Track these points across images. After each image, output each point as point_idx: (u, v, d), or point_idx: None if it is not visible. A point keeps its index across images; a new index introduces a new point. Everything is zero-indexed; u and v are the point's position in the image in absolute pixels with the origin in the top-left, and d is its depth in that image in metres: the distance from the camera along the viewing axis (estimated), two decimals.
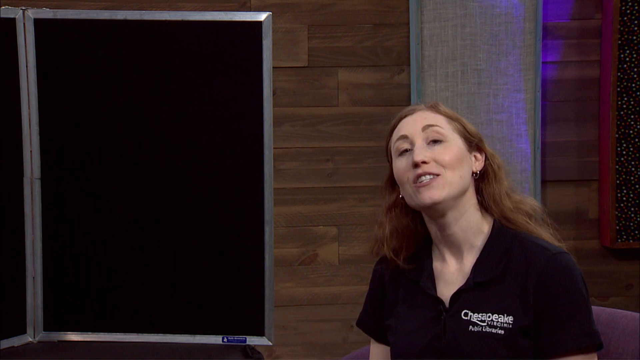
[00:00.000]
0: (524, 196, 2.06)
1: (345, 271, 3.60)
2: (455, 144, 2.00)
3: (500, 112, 3.60)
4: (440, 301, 1.96)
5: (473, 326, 1.90)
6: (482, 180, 2.02)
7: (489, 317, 1.91)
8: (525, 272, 1.91)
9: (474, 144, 2.02)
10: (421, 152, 1.96)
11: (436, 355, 1.95)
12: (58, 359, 2.37)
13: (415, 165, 1.95)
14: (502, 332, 1.89)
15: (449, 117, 2.04)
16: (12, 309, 2.42)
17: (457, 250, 1.99)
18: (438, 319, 1.95)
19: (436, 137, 1.99)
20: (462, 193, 1.98)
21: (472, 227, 1.98)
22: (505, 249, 1.95)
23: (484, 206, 2.01)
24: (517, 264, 1.92)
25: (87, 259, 2.46)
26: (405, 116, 2.05)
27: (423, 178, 1.95)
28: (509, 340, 1.88)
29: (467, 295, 1.93)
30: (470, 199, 1.99)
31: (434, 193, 1.94)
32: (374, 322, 2.09)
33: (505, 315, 1.90)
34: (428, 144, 1.99)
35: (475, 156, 2.02)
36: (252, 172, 2.42)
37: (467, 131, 2.03)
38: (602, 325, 2.17)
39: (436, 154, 1.97)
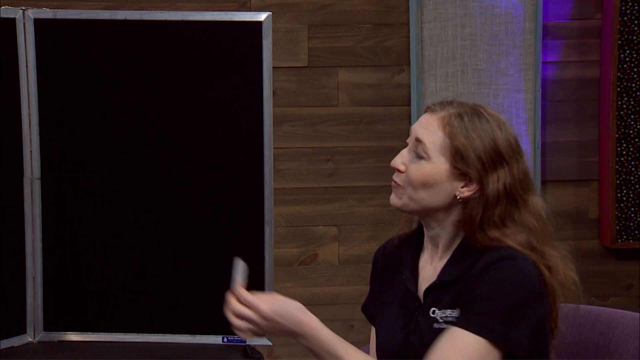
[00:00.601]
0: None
1: (345, 271, 3.60)
2: (432, 167, 1.97)
3: (500, 112, 3.59)
4: (416, 297, 1.99)
5: (436, 323, 1.93)
6: (466, 205, 1.97)
7: (444, 312, 1.93)
8: (475, 275, 1.92)
9: (463, 171, 1.96)
10: (398, 159, 2.01)
11: (408, 350, 1.99)
12: (58, 359, 2.37)
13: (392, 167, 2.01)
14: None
15: (454, 137, 1.96)
16: (12, 309, 2.42)
17: (437, 249, 2.02)
18: (413, 315, 1.99)
19: (420, 153, 1.99)
20: (432, 211, 1.99)
21: (447, 237, 2.00)
22: (475, 253, 1.95)
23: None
24: (476, 267, 1.93)
25: (87, 259, 2.46)
26: (428, 110, 2.03)
27: (394, 178, 2.01)
28: None
29: (435, 292, 1.96)
30: (448, 217, 1.99)
31: (393, 198, 2.01)
32: (371, 307, 2.12)
33: (454, 309, 1.92)
34: (413, 153, 2.00)
35: (467, 182, 1.96)
36: (252, 172, 2.42)
37: (465, 159, 1.95)
38: (602, 325, 2.17)
39: (409, 168, 1.99)
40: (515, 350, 1.87)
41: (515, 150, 1.98)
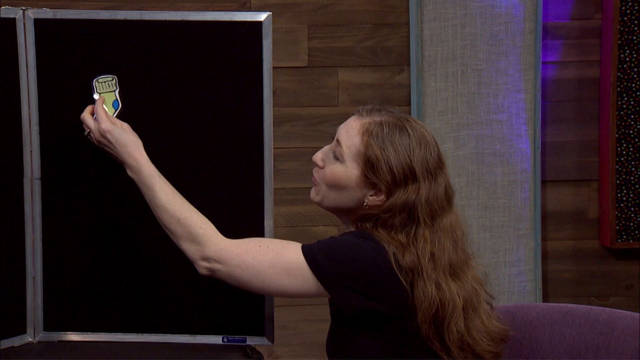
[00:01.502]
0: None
1: None
2: (344, 171, 2.03)
3: (500, 112, 3.60)
4: None
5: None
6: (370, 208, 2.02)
7: None
8: None
9: (371, 181, 2.00)
10: (319, 154, 2.09)
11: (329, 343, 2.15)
12: (58, 359, 2.37)
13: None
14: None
15: (370, 146, 1.99)
16: (12, 309, 2.42)
17: None
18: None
19: (336, 154, 2.05)
20: (343, 210, 2.06)
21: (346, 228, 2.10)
22: None
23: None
24: None
25: (87, 259, 2.46)
26: (356, 112, 2.08)
27: (313, 172, 2.11)
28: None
29: None
30: (354, 216, 2.05)
31: (311, 193, 2.12)
32: None
33: None
34: (333, 151, 2.06)
35: (376, 191, 2.01)
36: (252, 172, 2.42)
37: (375, 169, 1.98)
38: (602, 325, 2.17)
39: (326, 166, 2.06)
40: (333, 296, 1.94)
41: (432, 171, 1.98)
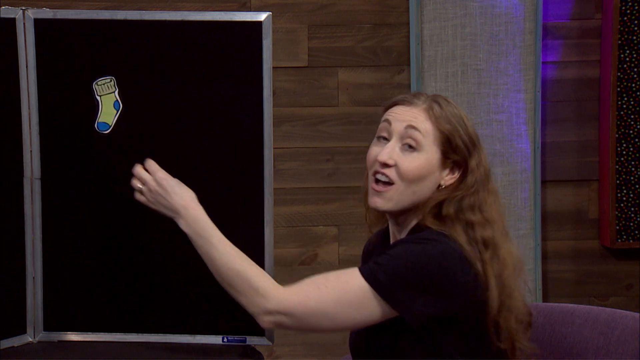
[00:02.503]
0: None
1: None
2: (426, 158, 1.98)
3: (500, 112, 3.60)
4: None
5: None
6: (447, 189, 1.99)
7: None
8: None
9: (452, 159, 1.98)
10: (388, 153, 1.98)
11: (364, 341, 2.03)
12: (58, 359, 2.37)
13: (379, 162, 1.99)
14: None
15: (441, 125, 1.98)
16: (12, 309, 2.42)
17: (399, 233, 2.05)
18: None
19: (412, 143, 1.98)
20: (417, 204, 1.99)
21: (411, 222, 2.02)
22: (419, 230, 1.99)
23: (441, 216, 1.98)
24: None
25: (87, 259, 2.46)
26: (402, 102, 2.03)
27: (379, 176, 1.99)
28: None
29: None
30: (424, 208, 1.99)
31: (378, 202, 1.99)
32: None
33: None
34: (402, 145, 1.98)
35: (451, 169, 1.99)
36: (252, 172, 2.42)
37: (453, 146, 1.98)
38: (602, 325, 2.17)
39: (402, 160, 1.97)
40: (401, 311, 1.87)
41: (478, 135, 2.02)
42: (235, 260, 2.03)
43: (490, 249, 1.93)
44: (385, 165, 1.98)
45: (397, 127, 2.00)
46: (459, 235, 1.93)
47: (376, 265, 1.91)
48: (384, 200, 1.99)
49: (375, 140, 2.04)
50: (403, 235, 2.02)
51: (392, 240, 2.06)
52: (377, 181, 1.99)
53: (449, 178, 1.98)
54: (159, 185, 2.11)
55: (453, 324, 1.91)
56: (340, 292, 1.91)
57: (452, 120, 1.98)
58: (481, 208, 1.96)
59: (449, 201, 1.96)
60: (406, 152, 1.98)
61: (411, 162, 1.97)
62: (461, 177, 1.98)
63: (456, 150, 1.97)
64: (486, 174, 2.00)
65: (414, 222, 2.01)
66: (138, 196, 2.16)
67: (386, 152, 1.98)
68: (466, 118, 2.01)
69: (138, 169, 2.14)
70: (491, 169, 2.04)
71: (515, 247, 1.98)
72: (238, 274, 2.01)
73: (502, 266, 1.93)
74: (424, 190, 1.98)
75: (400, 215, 2.02)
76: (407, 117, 2.00)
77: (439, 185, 1.98)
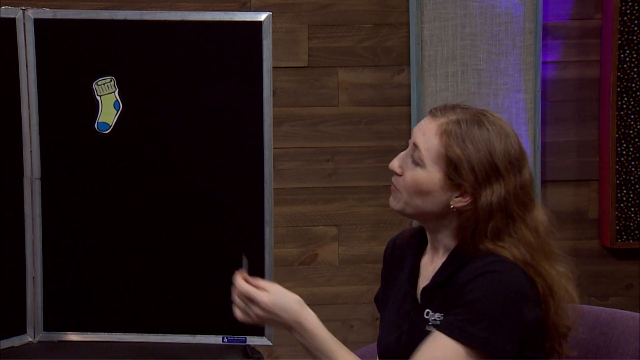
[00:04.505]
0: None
1: (345, 271, 3.60)
2: (427, 175, 1.92)
3: (500, 112, 3.60)
4: (414, 297, 1.97)
5: (427, 325, 1.91)
6: (461, 215, 1.92)
7: (434, 315, 1.91)
8: (462, 281, 1.89)
9: (457, 183, 1.90)
10: (396, 162, 1.97)
11: (399, 350, 1.97)
12: (58, 359, 2.37)
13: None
14: None
15: (450, 146, 1.90)
16: (12, 309, 2.42)
17: (437, 249, 1.99)
18: (408, 315, 1.97)
19: (415, 159, 1.94)
20: (429, 216, 1.95)
21: (445, 240, 1.97)
22: (466, 257, 1.92)
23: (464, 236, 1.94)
24: (464, 271, 1.90)
25: (87, 259, 2.46)
26: (431, 113, 1.97)
27: (393, 180, 1.98)
28: None
29: (430, 293, 1.94)
30: (444, 223, 1.94)
31: (391, 201, 1.99)
32: (381, 299, 2.12)
33: (441, 313, 1.90)
34: (411, 156, 1.96)
35: (462, 193, 1.91)
36: (252, 172, 2.42)
37: (459, 171, 1.89)
38: (602, 325, 2.17)
39: (406, 172, 1.95)
40: (498, 357, 1.84)
41: (515, 163, 1.91)
42: None
43: (536, 270, 1.90)
44: (395, 172, 1.97)
45: (413, 138, 1.97)
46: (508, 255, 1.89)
47: (462, 322, 1.84)
48: (395, 201, 1.98)
49: None
50: (440, 252, 1.98)
51: (430, 245, 2.02)
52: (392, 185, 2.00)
53: (459, 200, 1.91)
54: (267, 312, 1.91)
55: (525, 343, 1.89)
56: None
57: (467, 145, 1.89)
58: (501, 234, 1.90)
59: (467, 227, 1.91)
60: (411, 165, 1.95)
61: (412, 176, 1.94)
62: (473, 203, 1.90)
63: (461, 175, 1.89)
64: (521, 202, 1.90)
65: (448, 242, 1.97)
66: (238, 314, 1.96)
67: (396, 161, 1.98)
68: (498, 144, 1.90)
69: (239, 303, 1.93)
70: (534, 199, 1.93)
71: (560, 272, 1.93)
72: None
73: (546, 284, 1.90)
74: (430, 206, 1.93)
75: (424, 222, 2.00)
76: (422, 130, 1.95)
77: (450, 206, 1.92)
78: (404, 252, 2.09)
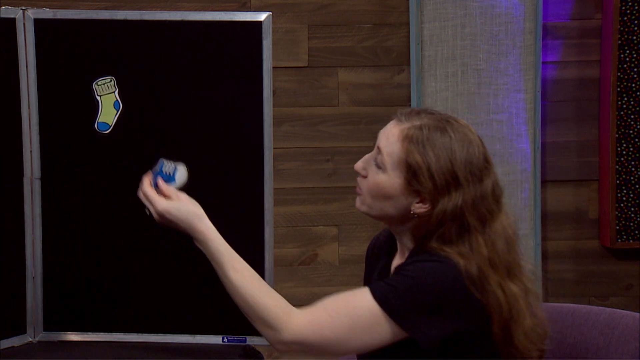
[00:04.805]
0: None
1: (345, 271, 3.60)
2: (388, 180, 1.93)
3: (500, 112, 3.60)
4: None
5: None
6: (420, 219, 1.93)
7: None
8: (406, 263, 1.94)
9: (415, 189, 1.90)
10: (360, 163, 1.99)
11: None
12: (58, 359, 2.37)
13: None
14: None
15: (411, 152, 1.89)
16: (12, 309, 2.42)
17: (402, 250, 2.02)
18: None
19: (378, 163, 1.95)
20: (391, 219, 1.97)
21: (407, 241, 1.99)
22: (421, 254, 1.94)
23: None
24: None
25: (87, 259, 2.46)
26: (395, 117, 1.98)
27: (358, 181, 2.01)
28: None
29: None
30: (406, 226, 1.96)
31: (357, 203, 2.01)
32: None
33: None
34: (374, 159, 1.97)
35: (422, 199, 1.90)
36: (252, 172, 2.42)
37: (418, 178, 1.89)
38: (602, 325, 2.17)
39: (369, 175, 1.97)
40: (413, 334, 1.85)
41: (476, 172, 1.89)
42: (247, 289, 1.97)
43: (485, 284, 1.88)
44: (358, 174, 2.00)
45: (378, 141, 1.97)
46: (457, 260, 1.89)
47: (388, 286, 1.87)
48: (359, 203, 2.01)
49: None
50: (405, 253, 2.00)
51: (398, 247, 2.04)
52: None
53: (419, 206, 1.91)
54: (163, 218, 2.05)
55: (463, 344, 1.89)
56: (353, 318, 1.88)
57: (427, 152, 1.88)
58: (457, 241, 1.89)
59: (425, 231, 1.92)
60: (375, 168, 1.96)
61: (374, 180, 1.95)
62: (432, 210, 1.89)
63: (420, 182, 1.89)
64: (479, 213, 1.89)
65: (410, 244, 1.98)
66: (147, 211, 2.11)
67: (361, 162, 2.00)
68: (460, 152, 1.88)
69: (141, 195, 2.09)
70: (495, 211, 1.91)
71: (519, 285, 1.91)
72: (249, 305, 1.96)
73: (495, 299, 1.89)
74: (392, 210, 1.94)
75: (389, 224, 2.02)
76: (386, 134, 1.96)
77: (411, 211, 1.92)
78: (380, 253, 2.11)
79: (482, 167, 1.90)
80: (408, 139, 1.90)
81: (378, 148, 1.95)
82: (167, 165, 2.12)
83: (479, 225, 1.89)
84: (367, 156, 1.99)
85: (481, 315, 1.88)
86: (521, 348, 1.92)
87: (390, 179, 1.93)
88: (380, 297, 1.86)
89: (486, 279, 1.87)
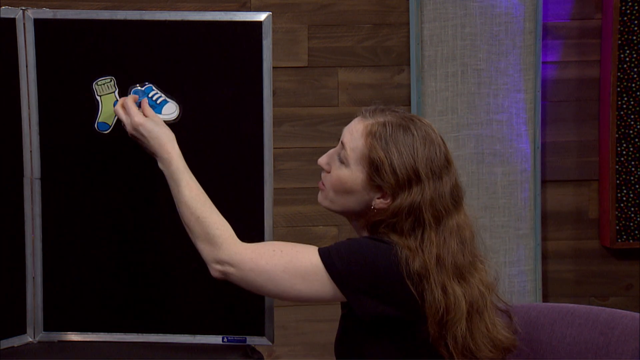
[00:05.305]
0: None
1: None
2: (350, 175, 1.98)
3: (500, 112, 3.60)
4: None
5: None
6: (378, 212, 1.98)
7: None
8: None
9: (377, 184, 1.95)
10: (324, 158, 2.05)
11: (337, 344, 2.10)
12: (58, 359, 2.37)
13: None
14: None
15: (374, 148, 1.94)
16: (12, 309, 2.42)
17: None
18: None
19: (342, 158, 2.00)
20: (352, 214, 2.03)
21: (360, 231, 2.06)
22: None
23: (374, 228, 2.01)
24: None
25: (87, 259, 2.46)
26: (360, 114, 2.03)
27: (322, 176, 2.06)
28: None
29: None
30: (364, 218, 2.01)
31: (319, 198, 2.08)
32: None
33: None
34: (338, 154, 2.02)
35: (383, 194, 1.96)
36: (252, 172, 2.42)
37: (380, 173, 1.93)
38: (602, 325, 2.17)
39: (332, 170, 2.02)
40: (351, 302, 1.90)
41: (436, 170, 1.94)
42: (199, 206, 2.06)
43: (424, 281, 1.91)
44: (323, 169, 2.05)
45: (342, 137, 2.02)
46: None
47: (334, 249, 1.94)
48: (322, 198, 2.07)
49: None
50: None
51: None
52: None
53: (380, 201, 1.96)
54: (136, 130, 2.16)
55: (396, 329, 1.93)
56: (293, 260, 1.94)
57: (390, 148, 1.93)
58: (409, 234, 1.94)
59: (379, 223, 1.98)
60: (338, 163, 2.01)
61: (337, 175, 2.00)
62: (392, 204, 1.95)
63: (382, 178, 1.93)
64: (435, 210, 1.93)
65: (363, 232, 2.05)
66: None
67: (325, 157, 2.05)
68: (422, 150, 1.93)
69: (117, 108, 2.21)
70: (452, 211, 1.96)
71: (463, 287, 1.94)
72: (198, 220, 2.05)
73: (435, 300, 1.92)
74: (353, 205, 2.00)
75: (349, 219, 2.07)
76: (350, 130, 2.01)
77: (372, 206, 1.97)
78: None
79: (442, 166, 1.95)
80: (372, 135, 1.95)
81: (342, 143, 2.01)
82: (156, 93, 2.23)
83: (434, 222, 1.93)
84: (331, 151, 2.04)
85: (415, 309, 1.91)
86: (468, 347, 1.94)
87: (353, 174, 1.97)
88: (325, 254, 1.93)
89: (427, 276, 1.90)
